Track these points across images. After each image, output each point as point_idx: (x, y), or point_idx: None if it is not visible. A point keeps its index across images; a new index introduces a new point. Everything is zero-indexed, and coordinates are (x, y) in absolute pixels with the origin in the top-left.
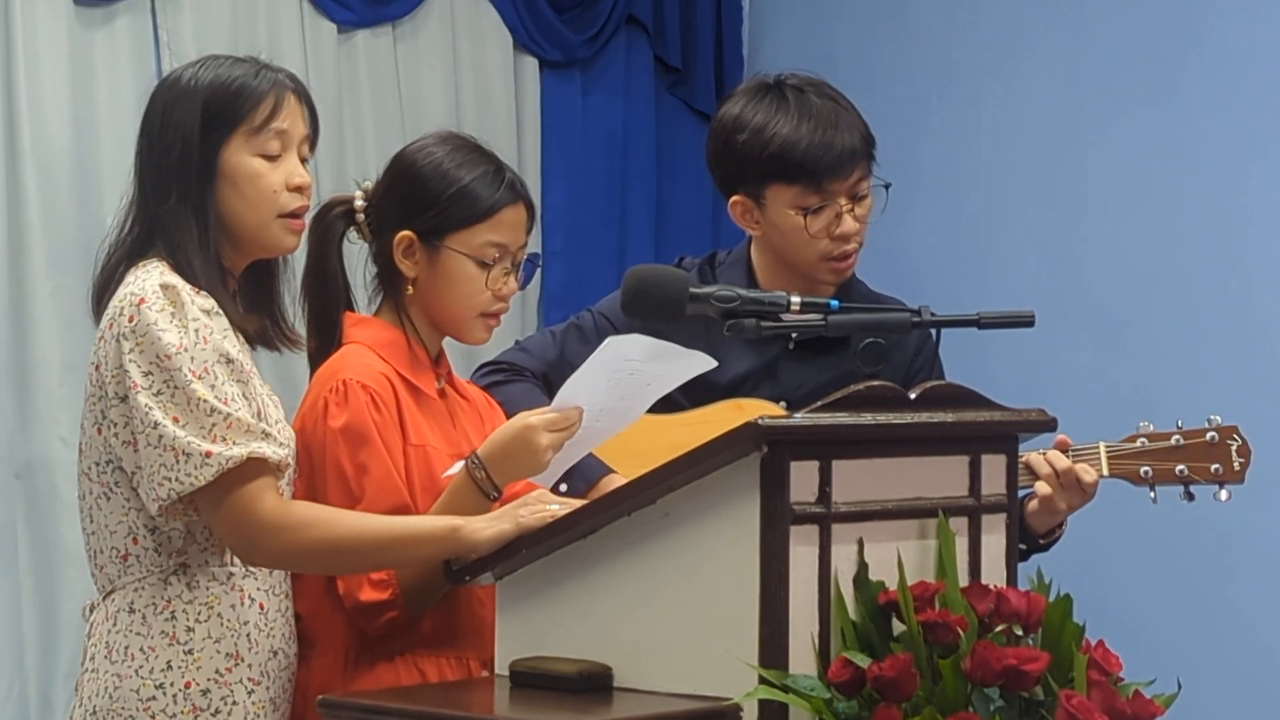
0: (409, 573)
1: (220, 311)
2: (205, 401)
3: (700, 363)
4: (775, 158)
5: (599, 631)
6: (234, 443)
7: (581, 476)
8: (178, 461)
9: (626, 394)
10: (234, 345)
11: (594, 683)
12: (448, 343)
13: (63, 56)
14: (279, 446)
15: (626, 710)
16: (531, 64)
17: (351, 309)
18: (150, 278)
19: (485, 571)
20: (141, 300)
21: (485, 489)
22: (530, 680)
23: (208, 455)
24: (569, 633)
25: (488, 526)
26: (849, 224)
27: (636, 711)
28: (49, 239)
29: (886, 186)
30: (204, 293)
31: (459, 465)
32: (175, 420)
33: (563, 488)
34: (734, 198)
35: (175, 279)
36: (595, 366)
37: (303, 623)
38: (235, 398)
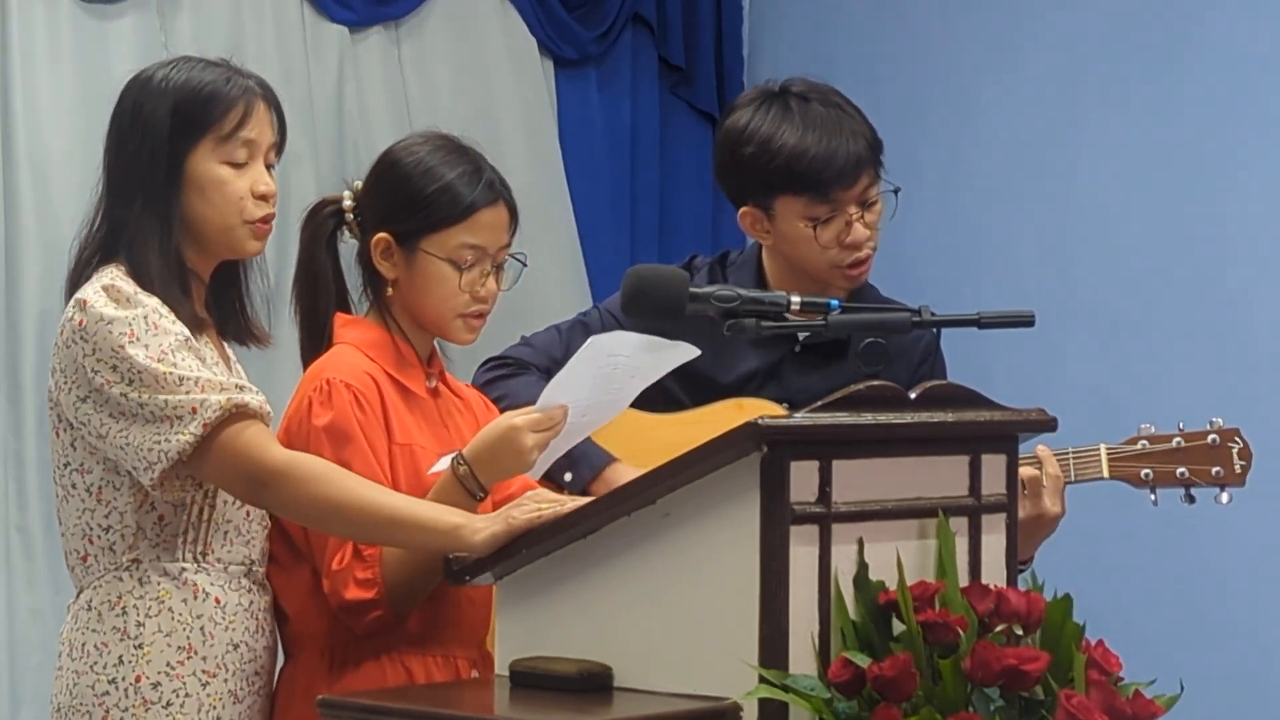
0: (394, 572)
1: (166, 312)
2: (170, 373)
3: (683, 352)
4: (782, 170)
5: (599, 631)
6: (211, 395)
7: (587, 465)
8: (164, 428)
9: (611, 388)
10: (185, 331)
11: (594, 683)
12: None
13: (65, 54)
14: (256, 394)
15: (626, 710)
16: (546, 63)
17: (346, 308)
18: (98, 282)
19: (485, 571)
20: (85, 301)
21: (470, 488)
22: (530, 680)
23: (193, 410)
24: (569, 633)
25: (484, 528)
26: (859, 232)
27: (636, 711)
28: (44, 239)
29: (896, 191)
30: (149, 293)
31: (444, 462)
32: (153, 396)
33: (567, 477)
34: (743, 209)
35: (122, 283)
36: (580, 366)
37: (290, 623)
38: (198, 368)
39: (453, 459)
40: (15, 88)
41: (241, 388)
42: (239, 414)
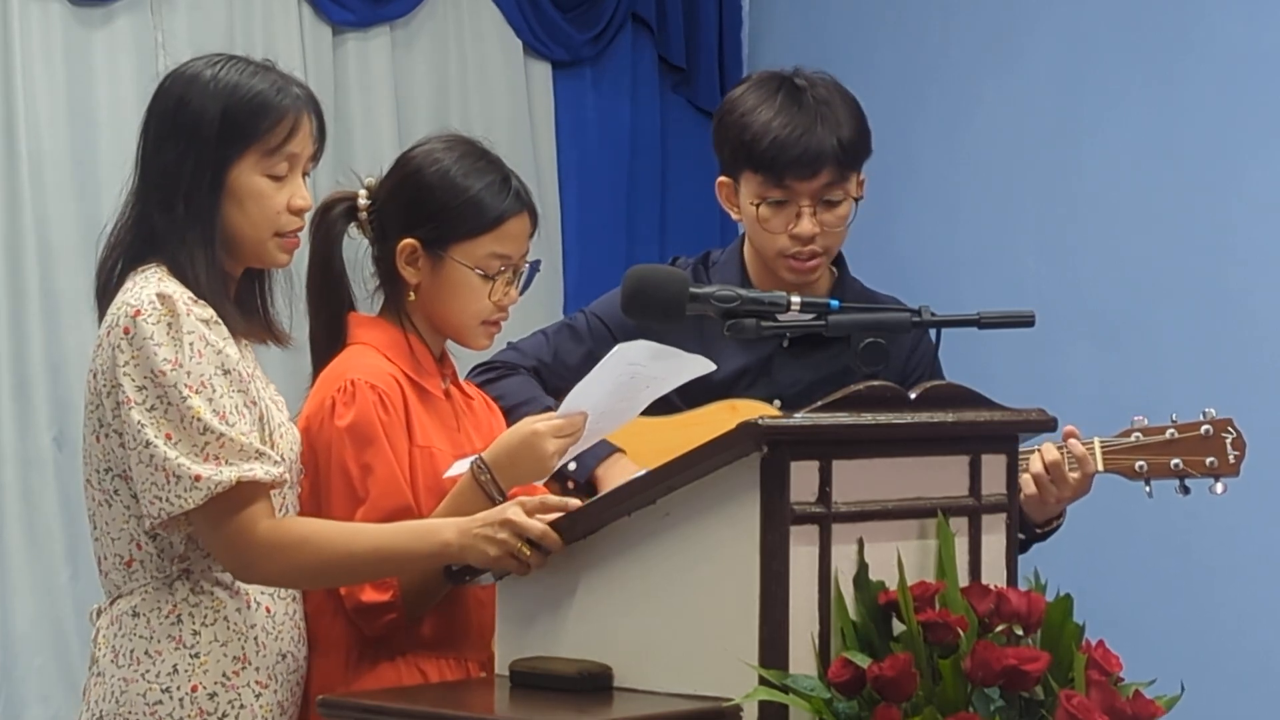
0: (410, 574)
1: (219, 320)
2: (200, 419)
3: (699, 365)
4: (745, 144)
5: (599, 631)
6: (226, 463)
7: (591, 453)
8: (168, 482)
9: (626, 395)
10: (233, 353)
11: (594, 683)
12: (451, 344)
13: (59, 56)
14: (273, 465)
15: (626, 710)
16: (542, 65)
17: (353, 307)
18: (148, 286)
19: (485, 572)
20: (137, 312)
21: (490, 492)
22: (530, 680)
23: (197, 479)
24: (569, 633)
25: (474, 543)
26: (805, 225)
27: (636, 711)
28: (44, 239)
29: (857, 200)
30: (202, 301)
31: (461, 465)
32: (168, 438)
33: (571, 466)
34: (720, 178)
35: (173, 287)
36: (603, 373)
37: (306, 623)
38: (233, 410)
39: (472, 464)
40: (16, 88)
41: (261, 453)
42: (245, 490)
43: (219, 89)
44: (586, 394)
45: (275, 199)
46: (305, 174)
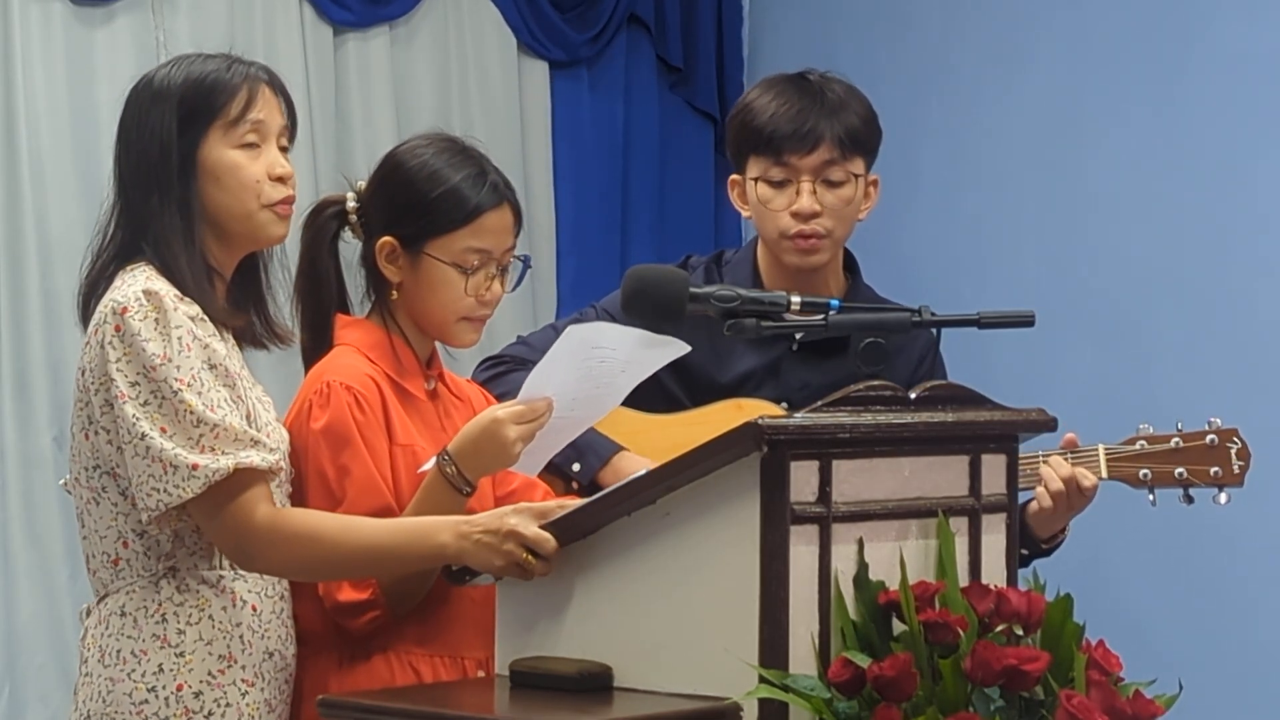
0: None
1: (204, 317)
2: (192, 411)
3: (675, 348)
4: (747, 127)
5: (599, 631)
6: (222, 452)
7: (594, 454)
8: (166, 473)
9: (600, 382)
10: (220, 349)
11: (594, 683)
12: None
13: (59, 56)
14: (269, 452)
15: (626, 710)
16: (540, 65)
17: (345, 309)
18: (134, 284)
19: (484, 572)
20: (124, 309)
21: (457, 485)
22: (530, 680)
23: (195, 468)
24: (569, 633)
25: (475, 551)
26: (805, 201)
27: (636, 711)
28: (44, 239)
29: (873, 182)
30: (188, 299)
31: (432, 461)
32: (163, 431)
33: (575, 467)
34: (731, 177)
35: (160, 284)
36: (559, 356)
37: (297, 622)
38: (223, 403)
39: (438, 457)
40: (16, 88)
41: (256, 441)
42: (243, 477)
43: (173, 85)
44: (545, 377)
45: (251, 169)
46: (283, 149)
